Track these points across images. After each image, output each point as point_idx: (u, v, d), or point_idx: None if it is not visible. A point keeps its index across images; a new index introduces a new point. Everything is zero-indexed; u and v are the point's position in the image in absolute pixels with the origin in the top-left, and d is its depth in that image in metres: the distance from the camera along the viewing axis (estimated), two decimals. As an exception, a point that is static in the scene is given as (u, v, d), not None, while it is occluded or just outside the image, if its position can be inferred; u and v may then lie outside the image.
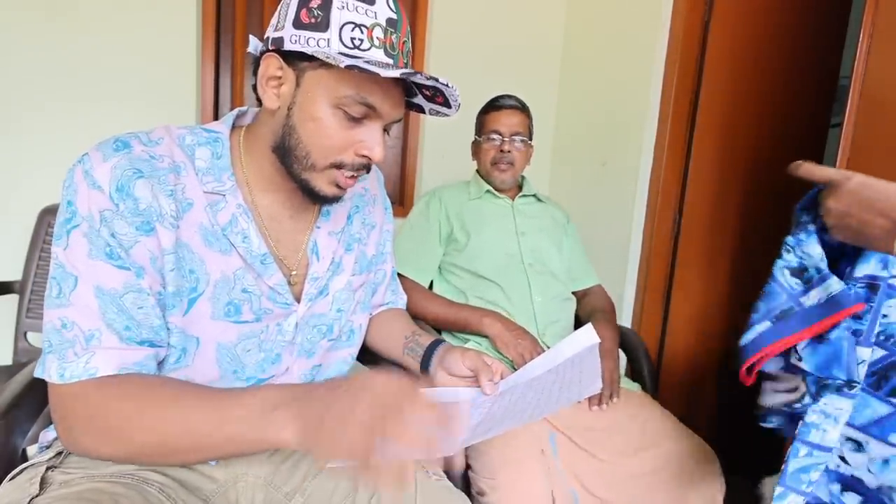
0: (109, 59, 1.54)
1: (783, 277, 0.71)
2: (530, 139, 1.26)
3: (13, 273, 1.45)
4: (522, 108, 1.25)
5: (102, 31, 1.53)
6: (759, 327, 0.71)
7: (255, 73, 0.62)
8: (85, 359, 0.53)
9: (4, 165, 1.49)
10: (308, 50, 0.56)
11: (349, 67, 0.53)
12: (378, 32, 0.57)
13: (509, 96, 1.25)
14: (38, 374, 0.55)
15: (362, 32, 0.57)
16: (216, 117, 1.70)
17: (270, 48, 0.60)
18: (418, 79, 0.56)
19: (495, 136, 1.23)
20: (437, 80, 0.57)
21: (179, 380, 0.59)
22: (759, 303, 0.72)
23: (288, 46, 0.58)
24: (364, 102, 0.58)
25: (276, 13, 0.61)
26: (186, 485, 0.63)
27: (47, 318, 0.54)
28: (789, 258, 0.71)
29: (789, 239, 0.72)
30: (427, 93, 0.63)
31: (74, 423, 0.54)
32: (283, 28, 0.58)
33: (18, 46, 1.47)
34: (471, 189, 1.28)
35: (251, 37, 0.64)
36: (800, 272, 0.70)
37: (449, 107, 0.64)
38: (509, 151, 1.22)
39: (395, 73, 0.54)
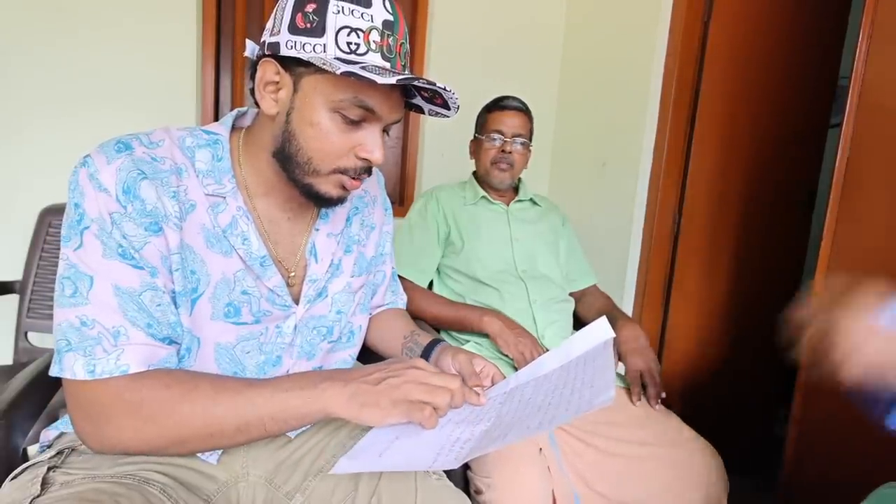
0: (110, 60, 1.55)
1: None
2: (530, 142, 1.26)
3: (13, 273, 1.45)
4: (525, 111, 1.25)
5: (103, 32, 1.53)
6: None
7: (252, 77, 0.62)
8: (115, 355, 0.53)
9: (5, 166, 1.50)
10: (304, 56, 0.56)
11: (346, 75, 0.53)
12: (375, 36, 0.57)
13: (513, 98, 1.25)
14: (54, 372, 0.54)
15: (359, 37, 0.56)
16: (216, 118, 1.70)
17: (267, 53, 0.60)
18: (416, 83, 0.56)
19: (497, 135, 1.23)
20: (434, 84, 0.57)
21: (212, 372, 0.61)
22: None
23: (284, 52, 0.57)
24: (362, 105, 0.58)
25: (272, 16, 0.60)
26: (188, 485, 0.63)
27: (62, 316, 0.54)
28: None
29: None
30: (426, 94, 0.63)
31: (107, 418, 0.53)
32: (280, 33, 0.58)
33: (19, 47, 1.47)
34: (466, 193, 1.28)
35: (248, 41, 0.64)
36: None
37: (448, 108, 0.64)
38: (510, 152, 1.22)
39: (392, 80, 0.53)
